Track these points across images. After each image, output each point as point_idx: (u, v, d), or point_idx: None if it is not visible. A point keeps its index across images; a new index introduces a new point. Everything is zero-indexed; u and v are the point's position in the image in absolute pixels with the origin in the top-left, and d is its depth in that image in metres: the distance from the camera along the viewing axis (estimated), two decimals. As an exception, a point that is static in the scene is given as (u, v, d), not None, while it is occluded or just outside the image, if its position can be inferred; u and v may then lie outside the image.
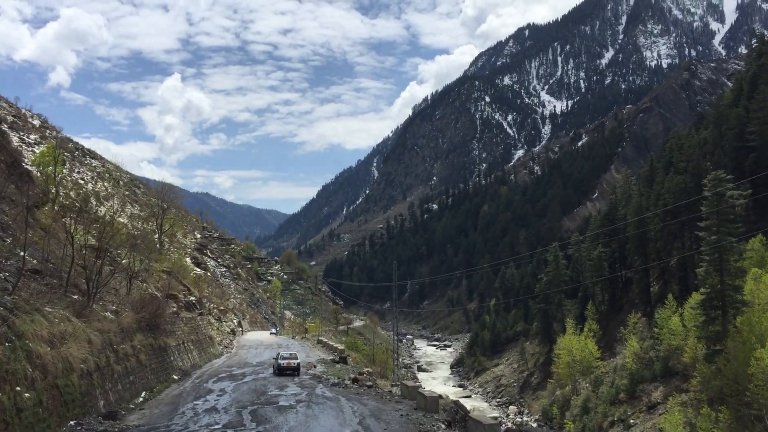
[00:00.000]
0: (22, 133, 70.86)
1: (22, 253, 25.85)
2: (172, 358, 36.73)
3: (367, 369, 47.02)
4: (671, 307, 62.38)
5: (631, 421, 59.77)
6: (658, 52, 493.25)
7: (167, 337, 36.51)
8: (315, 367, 44.57)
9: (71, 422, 20.31)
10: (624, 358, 68.41)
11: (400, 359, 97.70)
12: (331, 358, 52.46)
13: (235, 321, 77.50)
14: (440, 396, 30.97)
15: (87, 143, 77.97)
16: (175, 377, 35.36)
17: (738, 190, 55.53)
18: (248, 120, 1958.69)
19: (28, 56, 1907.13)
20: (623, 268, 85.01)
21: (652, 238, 74.42)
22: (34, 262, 28.29)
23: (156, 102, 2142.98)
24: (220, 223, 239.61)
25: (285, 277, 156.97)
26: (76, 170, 72.29)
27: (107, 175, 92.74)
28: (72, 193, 50.82)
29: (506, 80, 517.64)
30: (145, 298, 35.33)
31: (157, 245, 59.25)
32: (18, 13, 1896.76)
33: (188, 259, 78.98)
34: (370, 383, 35.36)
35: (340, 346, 61.27)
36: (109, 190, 74.67)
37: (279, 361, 39.31)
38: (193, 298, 53.43)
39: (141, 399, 27.87)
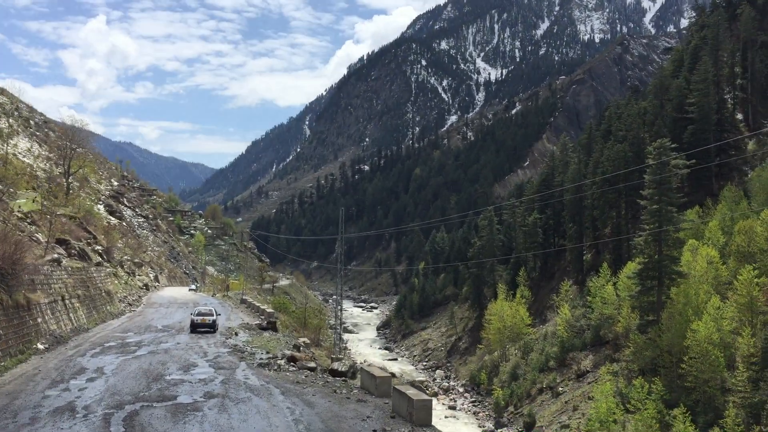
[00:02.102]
0: None
1: None
2: (39, 319, 28.34)
3: (303, 339, 39.01)
4: (605, 276, 61.73)
5: (560, 388, 59.15)
6: (592, 26, 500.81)
7: (33, 292, 28.04)
8: (237, 334, 35.41)
9: None
10: (555, 325, 67.79)
11: (326, 320, 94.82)
12: (257, 322, 43.72)
13: (151, 275, 72.49)
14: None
15: (3, 84, 70.87)
16: (40, 346, 26.82)
17: (683, 160, 54.57)
18: (177, 69, 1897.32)
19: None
20: (557, 236, 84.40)
21: (589, 206, 73.65)
22: None
23: (78, 45, 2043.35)
24: (143, 175, 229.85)
25: (209, 232, 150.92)
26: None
27: (16, 113, 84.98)
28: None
29: (443, 45, 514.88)
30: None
31: (64, 187, 53.82)
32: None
33: (101, 207, 73.08)
34: (312, 364, 26.23)
35: (268, 308, 53.73)
36: (15, 127, 67.76)
37: (193, 317, 36.28)
38: (99, 248, 48.18)
39: None
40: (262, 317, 47.37)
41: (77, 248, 39.82)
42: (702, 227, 56.48)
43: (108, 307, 42.77)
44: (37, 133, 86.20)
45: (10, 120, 70.67)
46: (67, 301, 33.54)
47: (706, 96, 69.01)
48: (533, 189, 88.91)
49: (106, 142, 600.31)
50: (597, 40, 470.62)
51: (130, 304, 50.82)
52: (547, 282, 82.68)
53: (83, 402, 17.33)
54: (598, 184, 69.60)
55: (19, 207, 35.72)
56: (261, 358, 26.56)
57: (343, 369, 26.48)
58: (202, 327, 35.51)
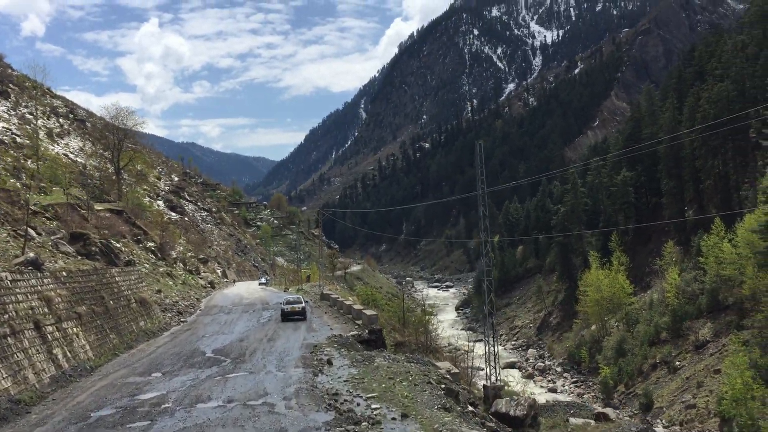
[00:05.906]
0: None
1: None
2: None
3: (445, 366, 23.97)
4: (718, 233, 54.23)
5: (677, 362, 52.33)
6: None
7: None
8: (330, 363, 21.43)
9: None
10: (661, 292, 60.66)
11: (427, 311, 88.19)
12: (354, 333, 29.72)
13: (218, 270, 68.84)
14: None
15: (68, 96, 69.42)
16: None
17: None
18: (231, 66, 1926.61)
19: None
20: (649, 194, 76.72)
21: (687, 156, 65.83)
22: None
23: (134, 50, 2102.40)
24: (207, 172, 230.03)
25: (275, 222, 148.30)
26: (23, 104, 62.46)
27: (71, 115, 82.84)
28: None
29: (494, 12, 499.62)
30: None
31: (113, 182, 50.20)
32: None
33: (160, 202, 69.84)
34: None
35: (363, 307, 38.13)
36: (65, 127, 64.97)
37: (283, 306, 37.18)
38: (151, 244, 43.89)
39: None
40: (358, 322, 34.03)
41: (99, 244, 31.35)
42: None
43: (141, 323, 31.90)
44: (93, 134, 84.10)
45: (60, 120, 68.11)
46: (47, 329, 20.95)
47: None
48: (619, 145, 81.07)
49: (169, 144, 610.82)
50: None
51: (181, 313, 40.62)
52: (644, 245, 75.26)
53: None
54: (698, 131, 61.69)
55: (35, 203, 30.98)
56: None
57: (518, 414, 16.46)
58: (292, 315, 35.83)
